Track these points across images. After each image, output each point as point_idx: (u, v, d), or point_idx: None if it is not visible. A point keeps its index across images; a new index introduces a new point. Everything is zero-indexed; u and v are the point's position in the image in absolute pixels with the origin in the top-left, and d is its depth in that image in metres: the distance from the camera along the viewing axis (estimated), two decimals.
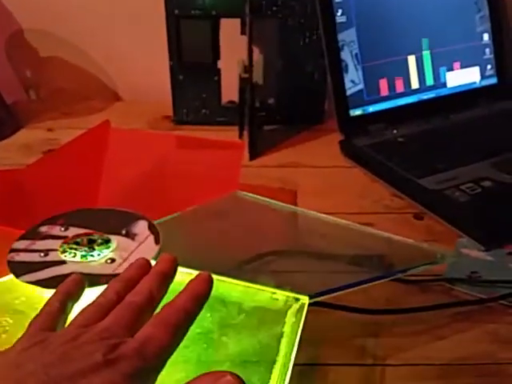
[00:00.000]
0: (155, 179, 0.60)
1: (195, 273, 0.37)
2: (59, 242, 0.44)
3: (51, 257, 0.42)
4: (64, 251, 0.43)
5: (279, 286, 0.40)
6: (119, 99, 0.97)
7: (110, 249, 0.43)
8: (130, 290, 0.33)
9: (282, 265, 0.52)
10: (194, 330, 0.35)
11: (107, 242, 0.44)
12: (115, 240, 0.44)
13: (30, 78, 0.97)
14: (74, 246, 0.43)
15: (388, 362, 0.45)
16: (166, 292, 0.34)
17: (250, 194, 0.55)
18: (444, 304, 0.49)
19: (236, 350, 0.35)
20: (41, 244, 0.44)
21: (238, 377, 0.28)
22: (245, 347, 0.35)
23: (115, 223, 0.45)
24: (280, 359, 0.34)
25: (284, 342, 0.35)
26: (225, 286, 0.39)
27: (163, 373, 0.29)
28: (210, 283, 0.33)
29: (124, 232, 0.45)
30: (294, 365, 0.36)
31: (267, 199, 0.54)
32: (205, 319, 0.37)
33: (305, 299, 0.37)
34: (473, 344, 0.47)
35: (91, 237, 0.44)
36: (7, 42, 0.94)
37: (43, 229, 0.45)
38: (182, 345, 0.31)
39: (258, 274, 0.48)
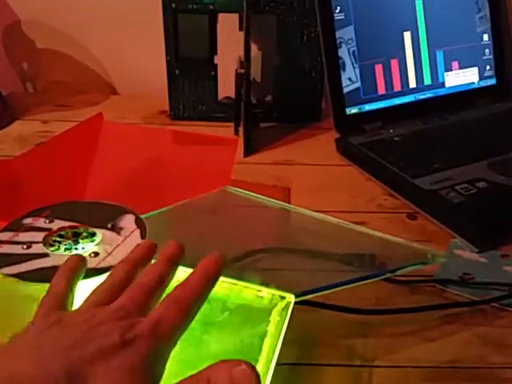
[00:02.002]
0: (147, 174, 0.59)
1: (183, 269, 0.36)
2: (43, 234, 0.43)
3: (34, 249, 0.41)
4: (47, 244, 0.42)
5: (266, 284, 0.39)
6: (115, 93, 0.97)
7: (95, 242, 0.42)
8: (138, 272, 0.34)
9: (272, 262, 0.51)
10: None
11: (92, 235, 0.43)
12: (100, 233, 0.43)
13: (26, 70, 0.97)
14: (58, 239, 0.42)
15: (376, 363, 0.44)
16: (173, 276, 0.34)
17: (241, 190, 0.54)
18: (434, 305, 0.48)
19: (218, 349, 0.34)
20: (24, 236, 0.43)
21: (252, 366, 0.28)
22: (227, 346, 0.34)
23: (101, 216, 0.45)
24: (262, 359, 0.33)
25: (267, 341, 0.34)
26: None
27: None
28: (221, 263, 0.34)
29: (110, 226, 0.44)
30: (281, 364, 0.35)
31: (258, 195, 0.54)
32: None
33: (290, 298, 0.37)
34: (463, 347, 0.46)
35: (76, 230, 0.43)
36: (4, 34, 0.93)
37: (27, 221, 0.44)
38: None
39: (246, 271, 0.47)
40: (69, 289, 0.34)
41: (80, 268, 0.36)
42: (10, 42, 0.94)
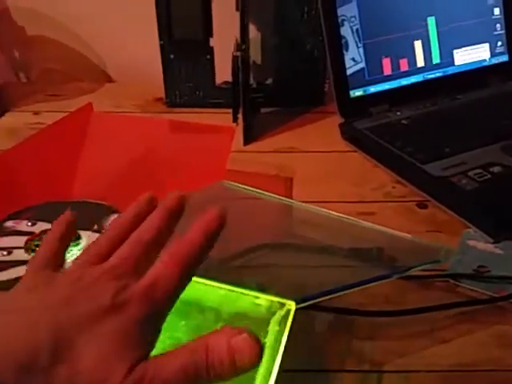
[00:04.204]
0: (139, 166, 0.56)
1: None
2: (25, 238, 0.40)
3: (15, 255, 0.39)
4: (29, 249, 0.39)
5: (263, 289, 0.36)
6: (110, 80, 0.93)
7: (79, 246, 0.39)
8: (137, 227, 0.31)
9: (272, 259, 0.48)
10: (164, 340, 0.32)
11: (77, 238, 0.40)
12: (85, 236, 0.40)
13: (18, 58, 0.93)
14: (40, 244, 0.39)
15: (385, 368, 0.41)
16: (173, 230, 0.32)
17: (237, 184, 0.50)
18: (448, 304, 0.45)
19: None
20: (5, 241, 0.40)
21: (255, 336, 0.27)
22: None
23: (86, 217, 0.42)
24: (259, 375, 0.30)
25: (266, 353, 0.31)
26: (202, 288, 0.35)
27: None
28: (223, 219, 0.31)
29: (96, 227, 0.41)
30: (284, 371, 0.32)
31: (255, 189, 0.50)
32: (178, 328, 0.33)
33: (291, 305, 0.33)
34: (479, 348, 0.43)
35: None
36: None
37: (8, 224, 0.42)
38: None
39: (243, 271, 0.44)
40: (61, 247, 0.31)
41: (73, 225, 0.34)
42: None
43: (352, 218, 0.49)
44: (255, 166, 0.66)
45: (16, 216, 0.42)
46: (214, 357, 0.27)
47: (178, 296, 0.28)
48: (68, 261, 0.33)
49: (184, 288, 0.29)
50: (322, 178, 0.65)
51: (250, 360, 0.27)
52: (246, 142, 0.72)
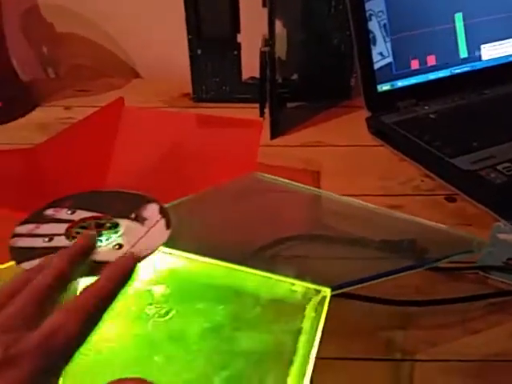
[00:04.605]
0: (170, 160, 0.57)
1: (208, 261, 0.34)
2: (65, 226, 0.41)
3: (56, 242, 0.40)
4: (70, 236, 0.40)
5: (299, 275, 0.37)
6: (137, 76, 0.94)
7: (118, 234, 0.40)
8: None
9: (303, 250, 0.49)
10: (202, 324, 0.32)
11: (115, 226, 0.41)
12: (124, 224, 0.41)
13: (46, 54, 0.95)
14: (81, 231, 0.40)
15: (417, 357, 0.41)
16: (78, 274, 0.31)
17: (269, 175, 0.51)
18: (478, 295, 0.45)
19: (250, 347, 0.32)
20: (45, 228, 0.41)
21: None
22: (259, 344, 0.32)
23: (124, 206, 0.43)
24: (298, 358, 0.31)
25: (303, 339, 0.32)
26: (240, 275, 0.36)
27: (169, 373, 0.27)
28: (133, 265, 0.31)
29: (133, 216, 0.42)
30: (315, 359, 0.33)
31: (287, 180, 0.51)
32: (216, 312, 0.34)
33: (326, 291, 0.34)
34: (509, 339, 0.43)
35: (99, 221, 0.41)
36: (23, 18, 0.92)
37: (48, 212, 0.43)
38: (190, 341, 0.28)
39: (277, 261, 0.45)
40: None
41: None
42: (28, 27, 0.92)
43: (383, 208, 0.49)
44: (282, 160, 0.66)
45: (56, 204, 0.43)
46: None
47: (78, 346, 0.26)
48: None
49: (86, 337, 0.27)
50: (348, 171, 0.65)
51: None
52: (273, 136, 0.72)
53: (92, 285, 0.29)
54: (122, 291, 0.29)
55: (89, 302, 0.27)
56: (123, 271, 0.30)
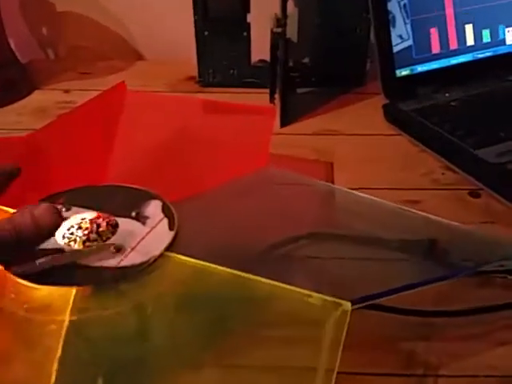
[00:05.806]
0: (175, 149, 0.53)
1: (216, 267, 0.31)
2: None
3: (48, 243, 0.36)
4: (63, 236, 0.37)
5: (315, 282, 0.33)
6: (141, 58, 0.90)
7: (117, 234, 0.37)
8: None
9: (317, 250, 0.45)
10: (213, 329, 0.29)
11: (114, 226, 0.37)
12: (123, 224, 0.37)
13: (46, 35, 0.91)
14: (76, 231, 0.37)
15: (442, 371, 0.38)
16: None
17: (280, 170, 0.47)
18: (507, 304, 0.42)
19: (268, 354, 0.29)
20: None
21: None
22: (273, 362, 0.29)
23: (124, 203, 0.39)
24: (319, 378, 0.27)
25: (323, 356, 0.29)
26: (251, 284, 0.33)
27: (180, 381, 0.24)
28: None
29: (134, 214, 0.38)
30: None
31: (300, 175, 0.47)
32: (228, 318, 0.30)
33: (347, 305, 0.30)
34: None
35: (96, 219, 0.38)
36: None
37: None
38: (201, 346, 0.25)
39: (289, 263, 0.41)
40: None
41: None
42: (27, 6, 0.88)
43: (402, 206, 0.46)
44: (293, 149, 0.63)
45: (51, 200, 0.40)
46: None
47: None
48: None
49: None
50: (364, 162, 0.61)
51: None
52: (283, 123, 0.68)
53: None
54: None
55: None
56: None
